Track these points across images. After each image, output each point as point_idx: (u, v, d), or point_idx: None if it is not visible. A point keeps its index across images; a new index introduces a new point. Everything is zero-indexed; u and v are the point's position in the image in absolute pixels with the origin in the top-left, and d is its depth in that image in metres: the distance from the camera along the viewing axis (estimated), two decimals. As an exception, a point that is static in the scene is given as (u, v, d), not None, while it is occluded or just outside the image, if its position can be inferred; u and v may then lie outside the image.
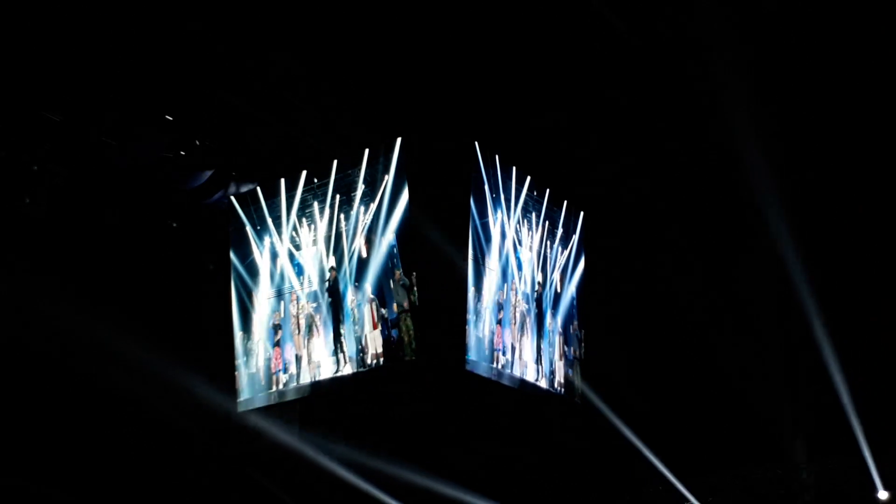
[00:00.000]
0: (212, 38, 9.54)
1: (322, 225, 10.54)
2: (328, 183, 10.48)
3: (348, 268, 10.25)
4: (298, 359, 10.49)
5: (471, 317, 9.99)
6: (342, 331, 10.16)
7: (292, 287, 10.69)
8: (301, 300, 10.59)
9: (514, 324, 10.77)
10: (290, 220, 10.75)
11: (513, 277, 10.82)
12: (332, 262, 10.32)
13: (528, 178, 11.09)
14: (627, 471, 12.46)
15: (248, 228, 11.04)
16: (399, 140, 9.96)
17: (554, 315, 11.55)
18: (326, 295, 10.29)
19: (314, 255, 10.57)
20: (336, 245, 10.37)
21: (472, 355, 9.98)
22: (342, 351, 10.11)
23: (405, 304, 9.77)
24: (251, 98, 10.28)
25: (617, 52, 10.08)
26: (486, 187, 10.39)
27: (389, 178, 10.03)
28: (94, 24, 9.20)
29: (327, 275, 10.31)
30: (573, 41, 9.95)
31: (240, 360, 10.90)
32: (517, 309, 10.85)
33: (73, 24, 9.17)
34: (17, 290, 10.36)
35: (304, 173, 10.59)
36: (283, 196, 10.76)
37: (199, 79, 9.95)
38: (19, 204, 10.12)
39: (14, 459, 10.28)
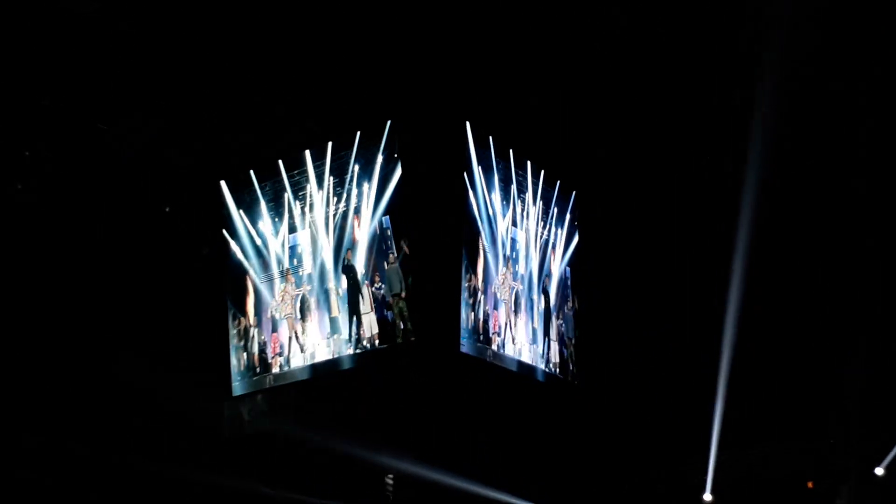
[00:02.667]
0: (205, 21, 9.51)
1: (316, 207, 10.53)
2: (321, 165, 10.47)
3: (342, 250, 10.27)
4: (293, 342, 10.50)
5: (465, 298, 10.00)
6: (340, 310, 10.18)
7: (287, 270, 10.69)
8: (296, 283, 10.59)
9: (509, 305, 10.78)
10: (284, 202, 10.74)
11: (507, 258, 10.82)
12: (346, 249, 10.28)
13: (524, 159, 11.08)
14: (623, 452, 12.50)
15: (242, 212, 11.02)
16: (389, 122, 9.95)
17: (548, 295, 11.56)
18: (343, 275, 10.24)
19: (308, 238, 10.57)
20: (330, 227, 10.37)
21: (467, 337, 10.00)
22: (360, 330, 10.07)
23: (399, 287, 9.79)
24: (243, 81, 10.25)
25: (610, 32, 10.05)
26: (480, 168, 10.37)
27: (382, 161, 10.03)
28: (86, 10, 9.18)
29: (343, 256, 10.27)
30: (566, 21, 9.92)
31: (234, 345, 10.90)
32: (512, 290, 10.86)
33: (65, 12, 9.15)
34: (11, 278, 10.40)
35: (307, 152, 10.55)
36: (284, 177, 10.73)
37: (195, 62, 9.92)
38: (11, 190, 10.14)
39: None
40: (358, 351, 10.04)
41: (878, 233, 11.44)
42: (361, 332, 10.03)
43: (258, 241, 10.93)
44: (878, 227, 11.42)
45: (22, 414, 10.53)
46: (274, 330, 10.69)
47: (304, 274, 10.55)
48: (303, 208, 10.61)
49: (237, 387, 10.84)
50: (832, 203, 11.49)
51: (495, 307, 10.50)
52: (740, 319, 11.87)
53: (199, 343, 11.23)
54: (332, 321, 10.23)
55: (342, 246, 10.27)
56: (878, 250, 11.51)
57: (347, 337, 10.12)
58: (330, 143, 10.39)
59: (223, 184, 11.15)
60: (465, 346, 10.02)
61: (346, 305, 10.15)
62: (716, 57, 10.26)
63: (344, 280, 10.20)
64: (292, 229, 10.69)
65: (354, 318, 10.10)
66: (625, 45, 10.19)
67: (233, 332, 10.93)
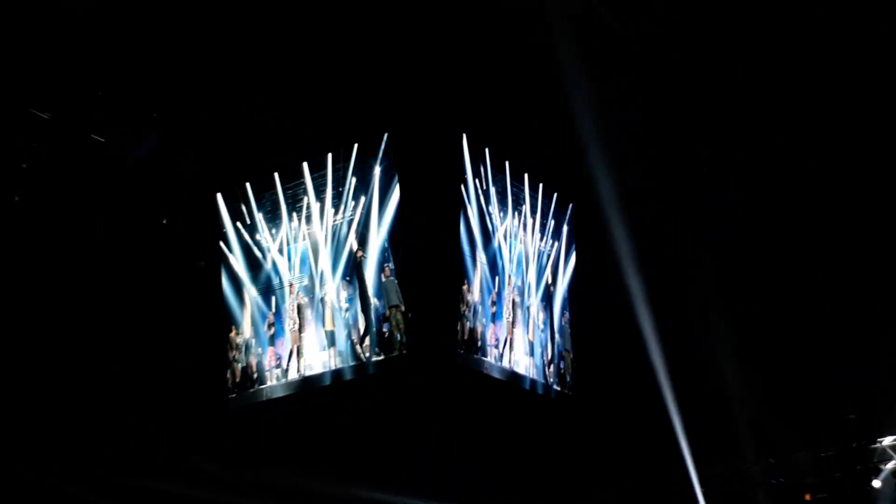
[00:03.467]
0: (202, 33, 9.53)
1: (313, 219, 10.53)
2: (318, 178, 10.48)
3: (339, 263, 10.27)
4: (291, 354, 10.49)
5: (462, 311, 9.99)
6: (336, 323, 10.15)
7: (284, 282, 10.68)
8: (294, 296, 10.58)
9: (506, 317, 10.77)
10: (280, 215, 10.74)
11: (504, 270, 10.81)
12: (343, 261, 10.27)
13: (520, 171, 11.09)
14: (618, 463, 12.49)
15: (239, 224, 11.03)
16: (386, 135, 9.96)
17: (545, 307, 11.55)
18: (347, 286, 10.20)
19: (305, 251, 10.56)
20: (327, 240, 10.37)
21: (464, 349, 9.98)
22: (359, 342, 10.03)
23: (395, 299, 9.78)
24: (241, 93, 10.26)
25: (608, 45, 10.07)
26: (477, 180, 10.38)
27: (380, 173, 10.04)
28: (82, 20, 9.19)
29: (341, 273, 10.25)
30: (562, 32, 9.93)
31: (231, 357, 10.88)
32: (509, 302, 10.85)
33: (62, 21, 9.16)
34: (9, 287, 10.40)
35: (305, 164, 10.55)
36: (280, 189, 10.74)
37: (190, 75, 9.93)
38: (9, 202, 10.13)
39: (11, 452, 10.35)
40: (354, 363, 10.03)
41: (881, 235, 11.45)
42: (360, 344, 10.02)
43: (255, 254, 10.92)
44: (880, 229, 11.43)
45: (21, 420, 10.54)
46: (271, 343, 10.68)
47: (301, 286, 10.54)
48: (300, 220, 10.62)
49: (234, 399, 10.83)
50: (831, 205, 11.49)
51: (492, 319, 10.49)
52: (737, 327, 11.90)
53: (196, 355, 11.24)
54: (328, 334, 10.22)
55: (339, 259, 10.27)
56: (877, 252, 11.51)
57: (344, 348, 10.10)
58: (330, 155, 10.38)
59: (219, 196, 11.15)
60: (462, 358, 10.01)
61: (345, 317, 10.14)
62: (714, 66, 10.28)
63: (344, 292, 10.19)
64: (289, 242, 10.68)
65: (353, 330, 10.08)
66: (621, 56, 10.21)
67: (230, 344, 10.91)
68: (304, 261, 10.56)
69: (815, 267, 11.81)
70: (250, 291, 10.91)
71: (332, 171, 10.38)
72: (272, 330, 10.70)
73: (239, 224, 11.03)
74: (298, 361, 10.41)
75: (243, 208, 11.01)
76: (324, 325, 10.27)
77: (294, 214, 10.66)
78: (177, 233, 11.21)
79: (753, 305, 12.09)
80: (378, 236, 10.02)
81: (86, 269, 10.82)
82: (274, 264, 10.78)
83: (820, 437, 12.06)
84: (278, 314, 10.67)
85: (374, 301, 9.94)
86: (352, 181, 10.22)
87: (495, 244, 10.67)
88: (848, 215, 11.48)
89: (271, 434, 11.38)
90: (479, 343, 10.22)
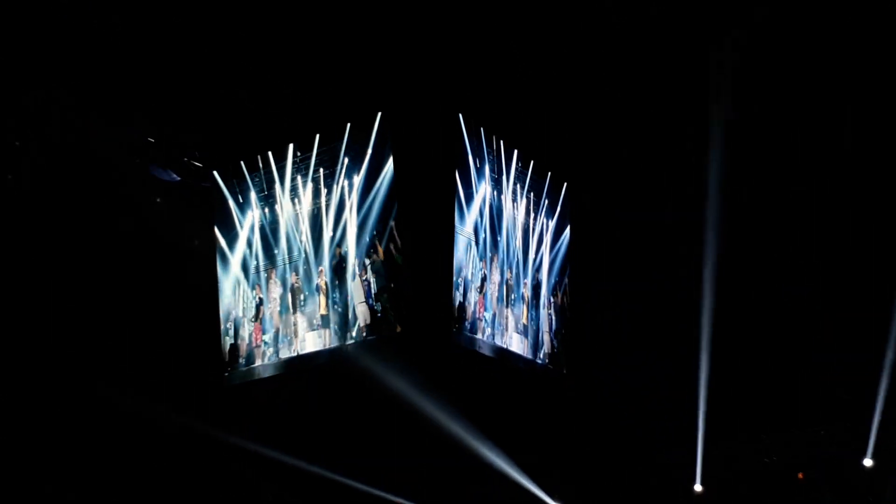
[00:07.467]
0: (194, 14, 9.49)
1: (306, 198, 10.54)
2: (311, 157, 10.47)
3: (332, 242, 10.28)
4: (280, 332, 10.52)
5: (455, 288, 10.01)
6: (329, 301, 10.18)
7: (275, 260, 10.70)
8: (286, 275, 10.60)
9: (500, 294, 10.80)
10: (273, 193, 10.74)
11: (498, 248, 10.83)
12: (336, 240, 10.28)
13: (515, 150, 11.08)
14: (612, 441, 12.57)
15: (232, 203, 11.02)
16: (380, 114, 9.94)
17: (539, 287, 11.57)
18: (332, 273, 10.22)
19: (298, 230, 10.57)
20: (319, 219, 10.38)
21: (457, 327, 10.01)
22: (350, 322, 10.05)
23: (386, 278, 9.81)
24: (235, 73, 10.23)
25: (600, 25, 10.04)
26: (471, 159, 10.37)
27: (372, 152, 10.03)
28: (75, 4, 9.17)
29: (334, 253, 10.26)
30: (556, 13, 9.90)
31: (224, 335, 10.92)
32: (502, 279, 10.88)
33: (53, 5, 9.14)
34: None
35: (291, 146, 10.56)
36: (273, 168, 10.73)
37: (183, 56, 9.91)
38: (1, 181, 10.14)
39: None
40: (347, 342, 10.06)
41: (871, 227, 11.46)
42: (351, 324, 10.05)
43: (248, 233, 10.93)
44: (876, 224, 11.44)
45: (15, 408, 10.60)
46: (259, 321, 10.71)
47: (292, 265, 10.56)
48: (293, 200, 10.62)
49: (227, 378, 10.87)
50: (820, 197, 11.50)
51: (485, 297, 10.51)
52: (729, 309, 11.92)
53: (192, 335, 11.28)
54: (322, 317, 10.24)
55: (332, 238, 10.28)
56: (864, 243, 11.53)
57: (336, 328, 10.14)
58: (318, 136, 10.38)
59: (216, 174, 11.13)
60: (456, 336, 10.04)
61: (336, 297, 10.17)
62: (705, 49, 10.26)
63: (335, 272, 10.21)
64: (281, 221, 10.68)
65: (344, 310, 10.11)
66: (617, 38, 10.18)
67: (224, 324, 10.93)
68: (296, 240, 10.57)
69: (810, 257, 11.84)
70: (242, 270, 10.92)
71: (325, 150, 10.37)
72: (260, 308, 10.72)
73: (233, 203, 11.03)
74: (291, 340, 10.43)
75: (236, 187, 11.01)
76: (318, 304, 10.29)
77: (287, 194, 10.65)
78: (171, 211, 11.23)
79: (749, 286, 12.11)
80: (370, 215, 10.02)
81: (79, 248, 10.85)
82: (263, 244, 10.79)
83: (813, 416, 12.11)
84: (266, 294, 10.70)
85: (367, 280, 9.97)
86: (344, 161, 10.22)
87: (488, 221, 10.67)
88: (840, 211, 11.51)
89: (264, 412, 11.46)
90: (472, 321, 10.25)
